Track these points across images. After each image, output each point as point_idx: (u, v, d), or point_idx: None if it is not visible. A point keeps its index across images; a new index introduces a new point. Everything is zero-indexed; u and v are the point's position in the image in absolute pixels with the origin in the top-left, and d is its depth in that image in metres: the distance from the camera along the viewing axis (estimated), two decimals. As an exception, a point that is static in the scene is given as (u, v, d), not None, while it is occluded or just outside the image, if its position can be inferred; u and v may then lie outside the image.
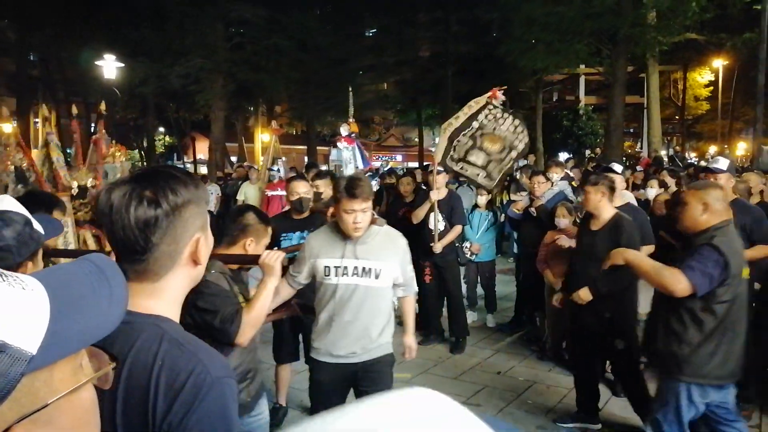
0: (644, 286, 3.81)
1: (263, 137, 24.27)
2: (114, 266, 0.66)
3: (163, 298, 1.10)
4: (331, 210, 4.54)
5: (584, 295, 3.68)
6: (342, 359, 2.84)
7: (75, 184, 5.66)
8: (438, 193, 5.36)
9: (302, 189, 4.26)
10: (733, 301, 2.81)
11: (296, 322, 3.84)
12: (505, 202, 8.32)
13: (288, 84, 20.22)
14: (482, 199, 6.34)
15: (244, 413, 2.48)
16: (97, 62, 17.41)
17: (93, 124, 26.68)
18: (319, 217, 4.17)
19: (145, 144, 28.07)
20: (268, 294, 2.33)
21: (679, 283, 2.72)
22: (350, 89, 8.19)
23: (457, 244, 5.74)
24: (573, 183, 6.52)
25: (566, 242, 4.74)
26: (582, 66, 19.65)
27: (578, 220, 5.31)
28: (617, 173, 4.81)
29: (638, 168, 11.20)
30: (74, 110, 6.24)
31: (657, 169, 9.74)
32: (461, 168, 5.52)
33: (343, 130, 7.99)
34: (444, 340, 5.68)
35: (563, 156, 19.65)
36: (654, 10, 13.75)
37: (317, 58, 19.44)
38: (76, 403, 0.59)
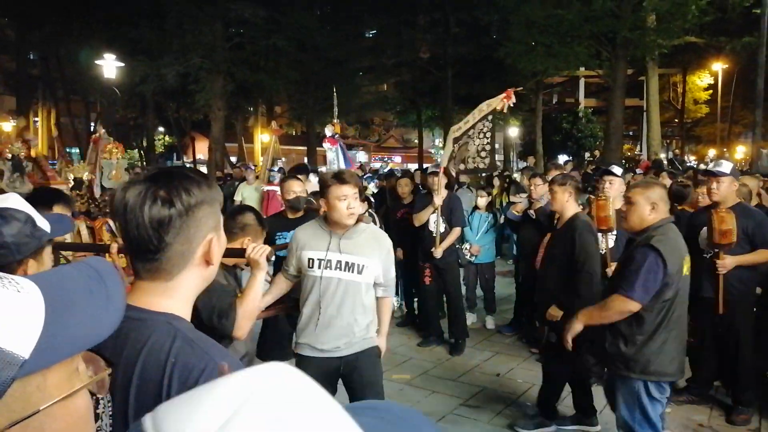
0: None
1: (263, 137, 24.27)
2: (112, 271, 0.65)
3: (176, 296, 1.11)
4: (324, 208, 4.56)
5: (554, 312, 3.78)
6: (326, 353, 2.87)
7: (71, 176, 5.69)
8: (440, 197, 5.36)
9: (297, 188, 4.28)
10: (675, 299, 2.87)
11: (290, 320, 3.85)
12: (504, 204, 8.32)
13: (287, 84, 20.23)
14: (482, 201, 6.34)
15: None
16: (96, 61, 17.40)
17: (92, 123, 26.70)
18: (313, 216, 4.19)
19: (144, 143, 28.05)
20: (258, 285, 2.41)
21: (626, 306, 2.82)
22: (334, 90, 8.15)
23: (457, 246, 5.75)
24: (573, 185, 6.52)
25: None
26: (582, 69, 19.68)
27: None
28: (617, 176, 4.80)
29: (638, 171, 11.20)
30: (54, 132, 6.30)
31: (657, 171, 9.74)
32: (462, 168, 5.55)
33: (328, 131, 7.97)
34: (443, 342, 5.68)
35: (562, 158, 19.67)
36: (653, 13, 13.77)
37: (316, 58, 19.45)
38: (70, 409, 0.58)
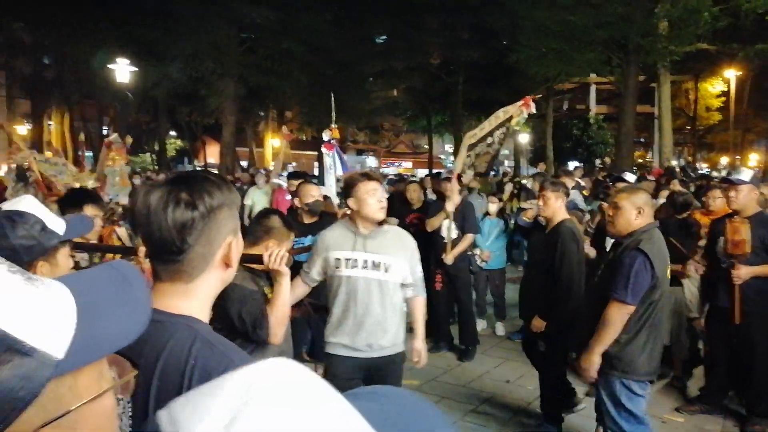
0: None
1: (273, 142, 24.40)
2: (138, 274, 0.66)
3: (196, 298, 1.12)
4: (341, 212, 4.58)
5: (538, 323, 3.85)
6: (359, 353, 2.89)
7: (77, 185, 5.74)
8: (452, 204, 5.35)
9: (316, 192, 4.31)
10: (659, 301, 2.93)
11: (308, 322, 3.87)
12: (515, 210, 8.29)
13: (298, 88, 20.33)
14: (493, 207, 6.33)
15: None
16: (110, 65, 17.58)
17: (105, 127, 26.96)
18: (329, 220, 4.19)
19: (156, 147, 28.27)
20: (285, 291, 2.41)
21: (624, 311, 2.87)
22: (332, 94, 8.16)
23: (469, 253, 5.73)
24: (584, 192, 6.50)
25: (584, 249, 4.71)
26: (593, 75, 19.63)
27: (588, 229, 5.30)
28: (629, 182, 4.78)
29: (650, 178, 11.13)
30: (81, 137, 6.35)
31: (668, 179, 9.68)
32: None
33: (325, 136, 7.98)
34: (453, 348, 5.66)
35: (571, 165, 19.60)
36: (666, 20, 13.70)
37: (327, 62, 19.52)
38: (98, 410, 0.59)
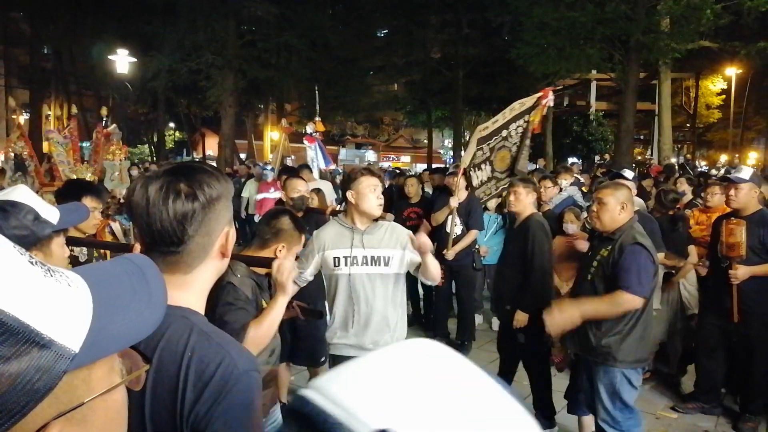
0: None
1: (272, 135, 24.33)
2: (154, 267, 0.66)
3: (192, 290, 1.13)
4: (330, 209, 4.56)
5: (521, 318, 3.85)
6: (362, 352, 2.81)
7: (74, 177, 5.70)
8: (456, 199, 5.30)
9: (302, 187, 4.27)
10: (653, 291, 3.05)
11: (291, 324, 3.82)
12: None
13: (298, 82, 20.28)
14: (491, 202, 6.32)
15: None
16: (109, 56, 17.52)
17: (104, 118, 26.86)
18: (314, 216, 4.18)
19: (155, 139, 28.20)
20: (279, 311, 2.17)
21: (635, 303, 2.92)
22: (316, 88, 8.15)
23: (474, 249, 5.70)
24: (583, 188, 6.50)
25: (584, 246, 4.71)
26: (593, 71, 19.53)
27: (587, 225, 5.30)
28: (628, 179, 4.78)
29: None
30: (74, 109, 6.29)
31: (667, 176, 9.67)
32: (471, 175, 5.35)
33: (309, 128, 7.93)
34: (449, 344, 5.66)
35: (569, 161, 19.59)
36: (667, 17, 13.65)
37: (328, 56, 19.46)
38: (109, 404, 0.59)
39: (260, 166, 10.64)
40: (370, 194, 2.81)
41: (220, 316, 2.15)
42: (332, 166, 7.07)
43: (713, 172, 14.88)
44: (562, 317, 3.02)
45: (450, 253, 5.30)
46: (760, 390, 4.00)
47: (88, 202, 2.86)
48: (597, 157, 24.45)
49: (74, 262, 2.86)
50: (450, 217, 5.35)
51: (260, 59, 18.46)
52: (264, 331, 2.12)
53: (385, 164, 30.98)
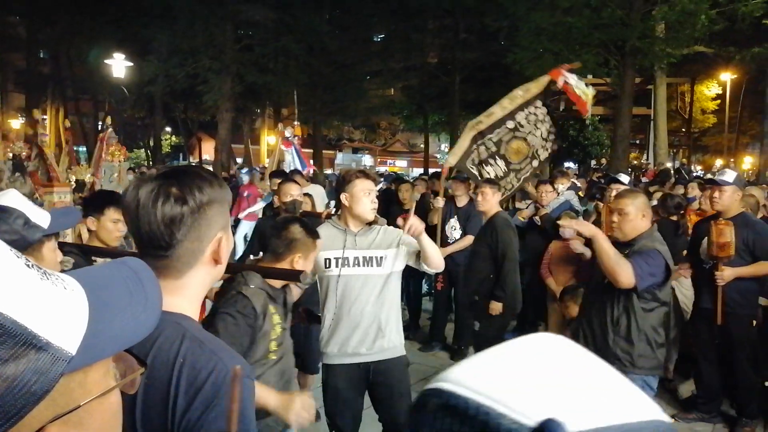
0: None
1: (269, 139, 24.33)
2: (149, 271, 0.66)
3: (185, 295, 1.11)
4: (326, 212, 4.57)
5: (496, 306, 4.23)
6: (355, 358, 2.80)
7: (73, 179, 5.70)
8: (440, 200, 5.39)
9: (295, 191, 4.28)
10: (669, 298, 3.11)
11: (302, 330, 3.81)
12: (510, 209, 8.29)
13: (295, 87, 20.29)
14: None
15: None
16: (106, 61, 17.51)
17: (101, 123, 26.84)
18: (310, 219, 4.17)
19: (151, 143, 28.17)
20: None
21: (627, 274, 2.84)
22: (295, 92, 8.16)
23: None
24: (579, 193, 6.50)
25: (580, 248, 4.71)
26: (589, 76, 19.60)
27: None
28: (624, 184, 4.79)
29: (643, 180, 11.17)
30: (67, 123, 6.32)
31: (662, 181, 9.71)
32: (479, 172, 5.17)
33: (287, 132, 7.90)
34: (446, 348, 5.66)
35: (566, 165, 19.65)
36: (663, 23, 13.73)
37: (325, 61, 19.49)
38: (105, 406, 0.59)
39: (256, 170, 10.69)
40: (364, 198, 2.77)
41: (213, 323, 2.11)
42: (309, 170, 7.01)
43: (708, 176, 14.92)
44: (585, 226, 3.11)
45: (443, 251, 5.35)
46: (751, 392, 4.01)
47: (112, 213, 2.80)
48: (593, 162, 24.54)
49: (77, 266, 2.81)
50: (452, 220, 5.43)
51: (257, 64, 18.48)
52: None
53: (382, 168, 31.03)
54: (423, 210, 6.04)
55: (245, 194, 9.49)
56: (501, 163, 5.14)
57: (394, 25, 22.08)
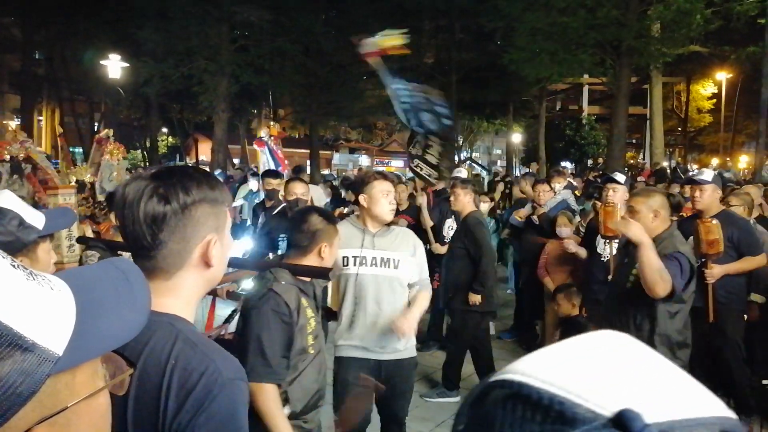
0: None
1: (266, 140, 24.27)
2: (138, 272, 0.66)
3: (177, 297, 1.10)
4: (338, 211, 4.61)
5: (475, 299, 4.38)
6: (372, 353, 2.84)
7: (73, 179, 5.69)
8: (422, 196, 5.63)
9: (300, 190, 4.32)
10: (690, 300, 3.02)
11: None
12: (506, 209, 8.30)
13: (291, 87, 20.27)
14: (484, 207, 6.34)
15: None
16: (101, 62, 17.47)
17: (96, 124, 26.77)
18: None
19: (147, 144, 28.10)
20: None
21: (667, 288, 2.71)
22: (270, 93, 8.10)
23: None
24: (576, 192, 6.52)
25: (573, 247, 4.73)
26: (586, 76, 19.67)
27: (581, 228, 5.31)
28: (620, 183, 4.79)
29: (639, 179, 11.20)
30: (60, 129, 6.35)
31: (658, 180, 9.74)
32: (416, 165, 4.82)
33: (263, 133, 7.86)
34: (443, 347, 5.65)
35: (562, 165, 19.70)
36: (658, 22, 13.77)
37: (321, 62, 19.48)
38: (93, 408, 0.59)
39: (252, 169, 10.65)
40: (383, 199, 2.81)
41: (248, 323, 2.10)
42: (284, 170, 6.91)
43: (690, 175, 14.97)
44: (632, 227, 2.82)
45: (436, 247, 5.48)
46: (746, 389, 4.02)
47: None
48: (590, 161, 24.61)
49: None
50: (450, 220, 5.54)
51: (253, 65, 18.44)
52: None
53: (379, 168, 31.01)
54: (415, 210, 6.07)
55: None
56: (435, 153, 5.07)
57: (390, 25, 22.06)
